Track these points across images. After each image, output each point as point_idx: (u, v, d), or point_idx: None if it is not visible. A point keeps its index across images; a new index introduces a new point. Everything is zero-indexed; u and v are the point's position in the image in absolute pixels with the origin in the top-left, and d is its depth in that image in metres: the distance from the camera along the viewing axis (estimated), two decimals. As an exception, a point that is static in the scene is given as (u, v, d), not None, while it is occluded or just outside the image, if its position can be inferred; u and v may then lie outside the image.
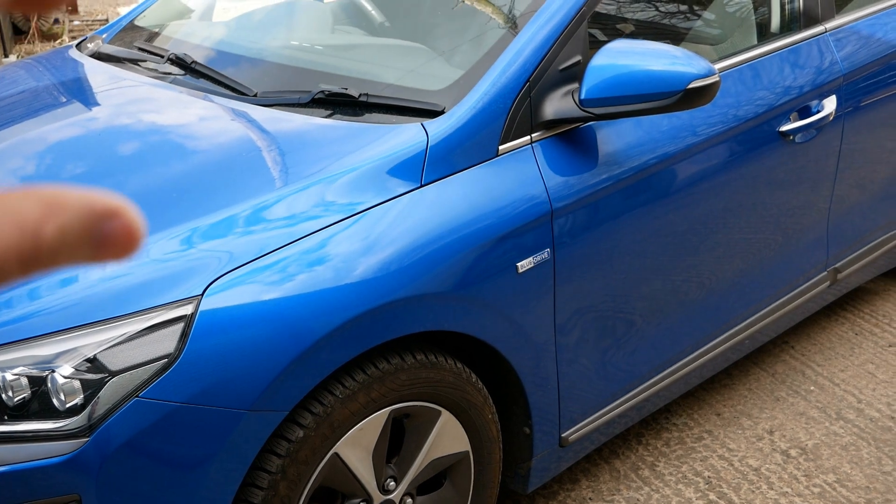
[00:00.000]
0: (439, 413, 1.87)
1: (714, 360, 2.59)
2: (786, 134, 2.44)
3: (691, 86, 1.92)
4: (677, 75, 1.92)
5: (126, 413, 1.47)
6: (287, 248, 1.65)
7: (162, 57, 2.36)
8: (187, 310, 1.52)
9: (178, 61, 2.31)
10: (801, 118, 2.50)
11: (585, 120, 1.98)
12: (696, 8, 2.54)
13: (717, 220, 2.35)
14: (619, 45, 1.98)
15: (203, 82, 2.23)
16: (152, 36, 2.59)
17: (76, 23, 7.44)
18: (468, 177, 1.86)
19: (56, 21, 7.17)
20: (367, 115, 1.98)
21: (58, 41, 6.94)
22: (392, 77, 2.15)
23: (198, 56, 2.34)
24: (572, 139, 2.03)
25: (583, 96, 1.94)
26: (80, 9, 8.13)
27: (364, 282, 1.67)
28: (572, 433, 2.17)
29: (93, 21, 7.51)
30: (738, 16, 2.59)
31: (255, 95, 2.11)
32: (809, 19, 2.60)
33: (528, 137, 1.96)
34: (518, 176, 1.91)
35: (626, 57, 1.95)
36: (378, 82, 2.08)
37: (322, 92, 2.02)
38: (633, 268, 2.18)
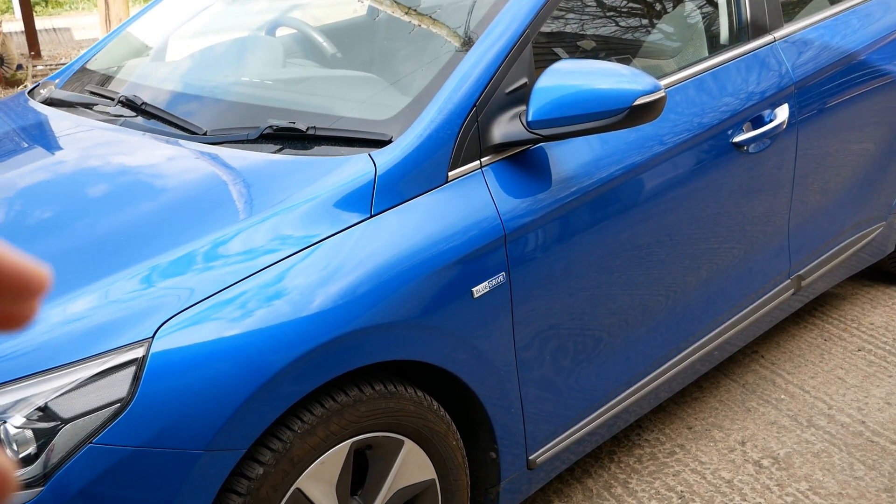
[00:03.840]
0: (402, 442, 1.86)
1: (683, 372, 2.59)
2: (739, 145, 2.46)
3: (637, 102, 1.94)
4: (623, 93, 1.94)
5: (80, 460, 1.45)
6: (240, 284, 1.64)
7: (112, 100, 2.36)
8: (138, 353, 1.51)
9: (129, 103, 2.31)
10: (755, 128, 2.53)
11: (534, 142, 1.99)
12: (644, 23, 2.56)
13: (677, 233, 2.36)
14: (564, 65, 1.99)
15: (154, 123, 2.23)
16: (104, 79, 2.59)
17: (39, 68, 7.42)
18: (418, 205, 1.86)
19: (20, 67, 7.16)
20: (316, 149, 1.98)
21: (21, 87, 6.93)
22: (342, 108, 2.16)
23: (148, 97, 2.34)
24: (523, 161, 2.04)
25: (530, 118, 1.95)
26: (43, 53, 8.13)
27: (319, 314, 1.67)
28: (540, 455, 2.16)
29: (56, 65, 7.50)
30: (686, 29, 2.62)
31: (205, 134, 2.10)
32: (758, 29, 2.63)
33: (478, 162, 1.97)
34: (469, 201, 1.92)
35: (571, 77, 1.96)
36: (327, 114, 2.08)
37: (270, 127, 2.02)
38: (595, 284, 2.18)
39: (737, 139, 2.45)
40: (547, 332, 2.10)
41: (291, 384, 1.62)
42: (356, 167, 1.85)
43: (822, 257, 2.94)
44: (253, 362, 1.59)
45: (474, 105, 1.97)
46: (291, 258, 1.70)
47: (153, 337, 1.53)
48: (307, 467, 1.69)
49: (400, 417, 1.84)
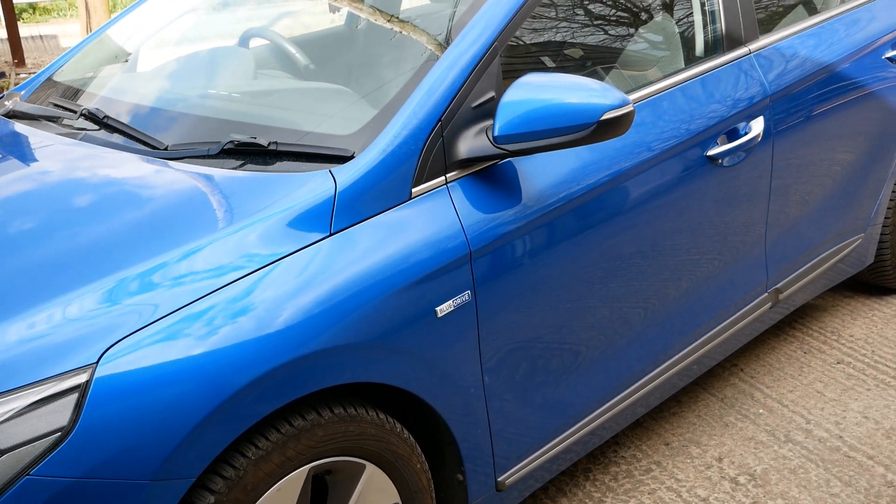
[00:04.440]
0: (363, 467, 1.82)
1: (661, 387, 2.55)
2: (713, 158, 2.43)
3: (605, 117, 1.90)
4: (590, 107, 1.90)
5: (17, 494, 1.40)
6: (194, 303, 1.60)
7: (75, 112, 2.31)
8: (81, 379, 1.47)
9: (92, 117, 2.26)
10: (730, 141, 2.49)
11: (501, 157, 1.95)
12: (616, 36, 2.53)
13: (653, 247, 2.32)
14: (531, 79, 1.95)
15: (116, 137, 2.18)
16: (69, 91, 2.54)
17: (23, 76, 7.37)
18: (381, 222, 1.82)
19: (2, 75, 7.10)
20: (278, 164, 1.93)
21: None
22: (308, 122, 2.11)
23: (112, 110, 2.29)
24: (491, 176, 2.00)
25: (496, 133, 1.91)
26: (28, 61, 8.07)
27: (274, 336, 1.62)
28: (509, 476, 2.12)
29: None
30: (659, 42, 2.58)
31: (166, 149, 2.06)
32: (733, 41, 2.60)
33: (443, 178, 1.93)
34: (433, 218, 1.88)
35: (538, 91, 1.92)
36: (291, 129, 2.04)
37: (231, 142, 1.98)
38: (568, 299, 2.14)
39: (711, 152, 2.42)
40: (516, 349, 2.06)
41: (247, 406, 1.57)
42: (316, 184, 1.81)
43: (800, 270, 2.91)
44: (206, 384, 1.55)
45: (439, 120, 1.93)
46: (247, 278, 1.65)
47: (98, 362, 1.48)
48: (262, 495, 1.64)
49: (361, 441, 1.79)
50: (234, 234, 1.71)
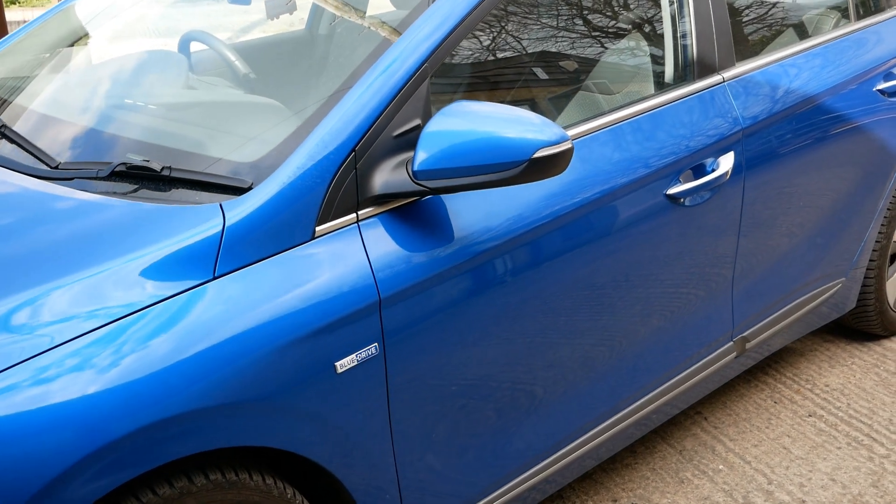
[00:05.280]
0: (243, 539, 1.62)
1: (613, 439, 2.35)
2: (674, 197, 2.22)
3: (537, 155, 1.69)
4: (523, 143, 1.69)
5: None
6: (31, 360, 1.38)
7: (-27, 120, 2.11)
8: None
9: (-10, 125, 2.06)
10: (696, 178, 2.28)
11: (422, 194, 1.75)
12: (575, 59, 2.31)
13: (599, 296, 2.11)
14: (459, 107, 1.74)
15: (12, 149, 1.98)
16: (-19, 93, 2.34)
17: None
18: (274, 265, 1.62)
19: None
20: (173, 192, 1.73)
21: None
22: (218, 144, 1.91)
23: (13, 119, 2.10)
24: (414, 214, 1.80)
25: (415, 168, 1.71)
26: None
27: (130, 396, 1.42)
28: (423, 543, 1.91)
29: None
30: (622, 66, 2.37)
31: (57, 167, 1.86)
32: (705, 68, 2.39)
33: (354, 215, 1.72)
34: (337, 260, 1.67)
35: (465, 121, 1.71)
36: (194, 152, 1.83)
37: (123, 164, 1.77)
38: (500, 349, 1.94)
39: (671, 191, 2.21)
40: (437, 406, 1.85)
41: (86, 483, 1.37)
42: (202, 219, 1.60)
43: (772, 317, 2.69)
44: (39, 454, 1.34)
45: (353, 149, 1.72)
46: (106, 328, 1.45)
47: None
48: (116, 574, 1.45)
49: (241, 510, 1.59)
50: (96, 276, 1.51)
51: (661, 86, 2.34)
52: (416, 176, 1.71)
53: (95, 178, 1.78)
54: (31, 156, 1.93)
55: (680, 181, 2.24)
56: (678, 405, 2.55)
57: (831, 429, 2.75)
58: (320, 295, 1.63)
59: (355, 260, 1.69)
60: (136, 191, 1.76)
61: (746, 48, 2.59)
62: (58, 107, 2.21)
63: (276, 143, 1.76)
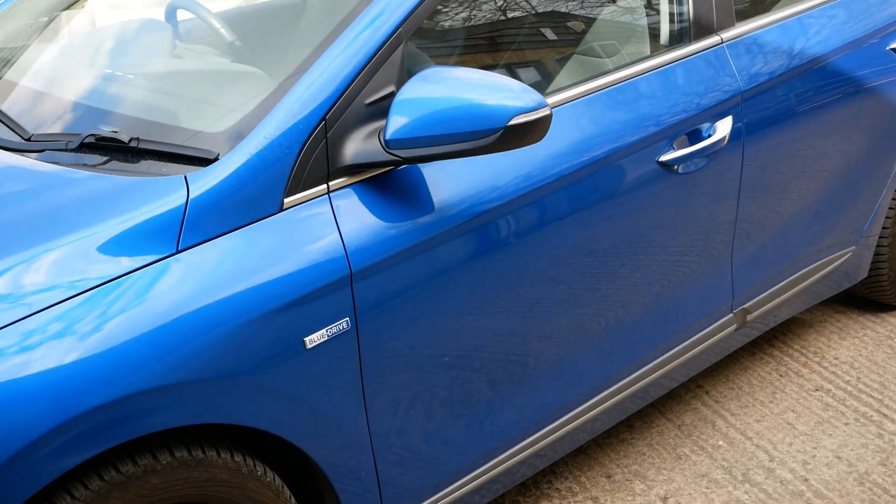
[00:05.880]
0: (212, 517, 1.59)
1: (608, 412, 2.29)
2: (667, 164, 2.14)
3: (512, 122, 1.63)
4: (497, 109, 1.63)
5: None
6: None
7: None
8: None
9: (-32, 97, 2.03)
10: (691, 144, 2.20)
11: (395, 164, 1.69)
12: (565, 20, 2.23)
13: (591, 268, 2.05)
14: (432, 73, 1.68)
15: (-12, 122, 1.95)
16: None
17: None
18: (241, 237, 1.57)
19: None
20: (142, 164, 1.69)
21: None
22: (190, 114, 1.87)
23: (-6, 90, 2.06)
24: (388, 184, 1.74)
25: (387, 137, 1.65)
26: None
27: (89, 373, 1.39)
28: (403, 521, 1.88)
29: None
30: (613, 29, 2.28)
31: (29, 139, 1.83)
32: (702, 29, 2.30)
33: (325, 186, 1.67)
34: (306, 233, 1.62)
35: (437, 88, 1.65)
36: (164, 123, 1.79)
37: (92, 136, 1.73)
38: (480, 320, 1.89)
39: (663, 158, 2.13)
40: (415, 380, 1.81)
41: (54, 457, 1.35)
42: (166, 191, 1.56)
43: (774, 288, 2.61)
44: (4, 426, 1.32)
45: (323, 118, 1.66)
46: (66, 303, 1.42)
47: None
48: (76, 553, 1.42)
49: (209, 488, 1.56)
50: (56, 251, 1.47)
51: (656, 48, 2.26)
52: (388, 145, 1.66)
53: (65, 150, 1.75)
54: (6, 128, 1.91)
55: (674, 147, 2.16)
56: (677, 378, 2.48)
57: (839, 403, 2.68)
58: (288, 269, 1.58)
59: (325, 232, 1.64)
60: (105, 163, 1.72)
61: (748, 7, 2.49)
62: (37, 78, 2.17)
63: (245, 113, 1.71)
